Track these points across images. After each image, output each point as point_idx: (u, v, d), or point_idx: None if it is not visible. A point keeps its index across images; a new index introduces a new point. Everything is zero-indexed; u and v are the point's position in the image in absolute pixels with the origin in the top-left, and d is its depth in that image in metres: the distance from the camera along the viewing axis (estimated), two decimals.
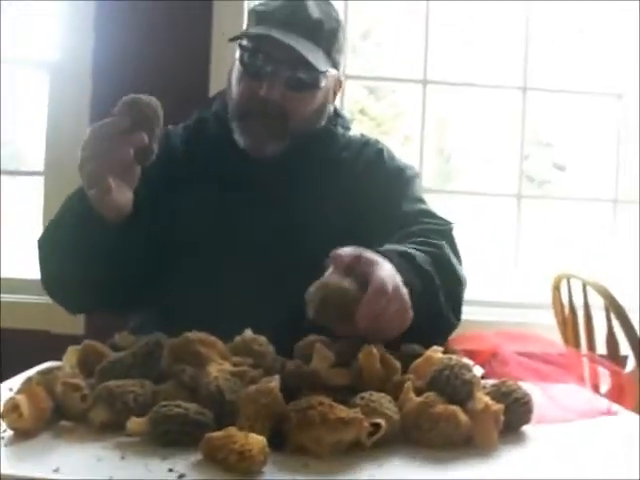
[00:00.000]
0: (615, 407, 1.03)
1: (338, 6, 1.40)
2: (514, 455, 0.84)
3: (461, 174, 3.12)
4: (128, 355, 0.91)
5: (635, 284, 2.36)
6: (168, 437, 0.79)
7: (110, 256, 1.15)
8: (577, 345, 2.16)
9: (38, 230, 2.45)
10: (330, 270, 0.98)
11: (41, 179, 2.56)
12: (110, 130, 1.06)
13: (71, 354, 1.00)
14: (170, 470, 0.72)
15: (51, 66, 2.54)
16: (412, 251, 1.14)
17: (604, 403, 1.04)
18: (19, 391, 0.85)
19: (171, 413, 0.79)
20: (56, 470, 0.71)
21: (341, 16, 1.40)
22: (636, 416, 1.01)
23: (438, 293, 1.15)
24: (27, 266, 2.52)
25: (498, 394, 0.91)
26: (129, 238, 1.15)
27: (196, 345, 0.93)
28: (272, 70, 1.27)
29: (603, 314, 2.09)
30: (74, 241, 1.17)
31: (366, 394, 0.85)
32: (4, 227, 2.58)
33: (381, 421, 0.81)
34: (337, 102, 1.46)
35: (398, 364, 0.95)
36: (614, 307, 2.03)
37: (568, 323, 2.24)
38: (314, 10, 1.30)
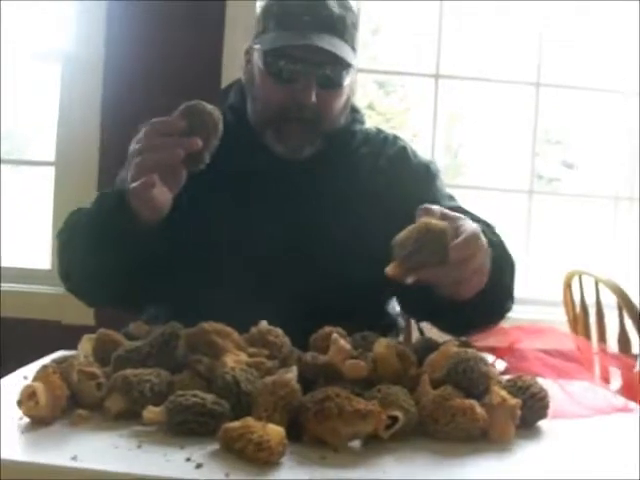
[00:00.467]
0: (632, 404, 1.03)
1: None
2: (530, 450, 0.83)
3: (469, 169, 3.11)
4: (145, 344, 0.91)
5: None
6: (185, 427, 0.78)
7: (134, 255, 1.13)
8: None
9: (49, 220, 2.49)
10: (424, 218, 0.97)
11: (52, 169, 2.56)
12: (166, 128, 1.05)
13: (86, 342, 1.00)
14: (188, 459, 0.72)
15: (63, 56, 2.54)
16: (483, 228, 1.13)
17: (621, 400, 1.03)
18: (35, 379, 0.85)
19: (188, 403, 0.79)
20: (74, 458, 0.71)
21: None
22: None
23: (505, 267, 1.18)
24: (38, 256, 2.53)
25: (514, 389, 0.91)
26: (156, 243, 1.13)
27: (212, 335, 0.93)
28: (304, 73, 1.25)
29: (614, 312, 2.08)
30: (101, 236, 1.14)
31: (383, 386, 0.85)
32: (16, 217, 2.59)
33: (399, 414, 0.81)
34: None
35: (414, 357, 0.94)
36: (627, 305, 2.01)
37: (579, 321, 2.23)
38: (334, 5, 1.28)
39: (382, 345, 0.92)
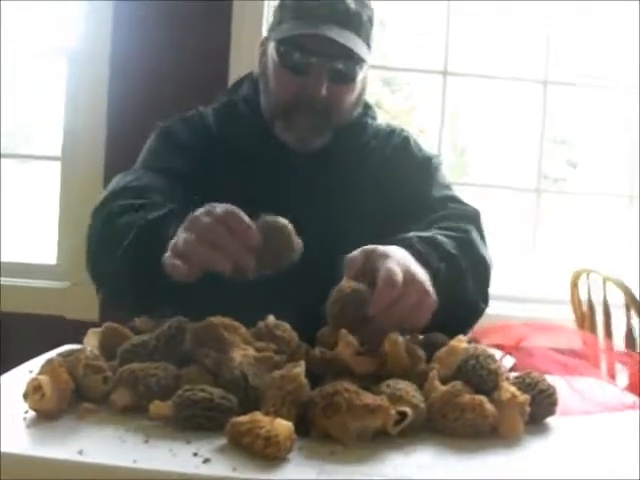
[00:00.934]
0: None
1: None
2: (539, 446, 0.83)
3: (474, 168, 3.10)
4: (151, 338, 0.90)
5: None
6: (192, 421, 0.78)
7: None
8: None
9: (55, 215, 2.49)
10: (345, 277, 0.97)
11: (58, 164, 2.57)
12: (240, 232, 0.92)
13: (92, 336, 0.99)
14: (195, 454, 0.71)
15: (69, 53, 2.54)
16: (436, 235, 1.13)
17: (630, 397, 1.03)
18: (41, 372, 0.84)
19: (196, 397, 0.78)
20: (80, 452, 0.70)
21: None
22: None
23: (465, 277, 1.14)
24: (43, 251, 2.53)
25: (523, 385, 0.90)
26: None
27: (219, 330, 0.92)
28: (317, 65, 1.26)
29: (621, 310, 2.07)
30: (135, 265, 1.07)
31: (392, 382, 0.84)
32: (22, 212, 2.59)
33: (408, 409, 0.80)
34: None
35: (423, 353, 0.93)
36: (634, 303, 2.00)
37: (586, 319, 2.22)
38: (351, 1, 1.28)
39: (391, 340, 0.91)
